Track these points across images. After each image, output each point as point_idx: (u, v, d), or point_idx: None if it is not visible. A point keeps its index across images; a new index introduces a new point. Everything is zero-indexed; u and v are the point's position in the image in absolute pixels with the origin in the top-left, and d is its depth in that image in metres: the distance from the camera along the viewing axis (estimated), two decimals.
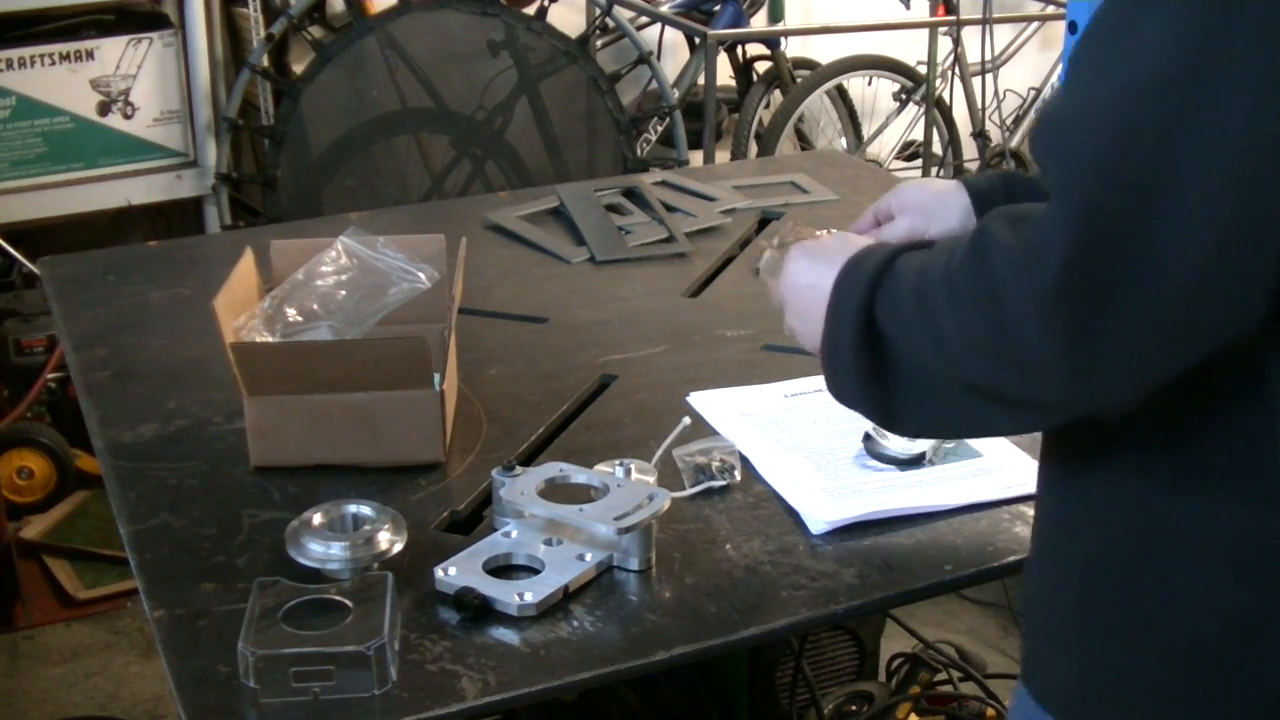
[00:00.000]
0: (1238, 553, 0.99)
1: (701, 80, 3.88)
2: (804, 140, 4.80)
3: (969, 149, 4.81)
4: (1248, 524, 0.99)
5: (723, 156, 4.19)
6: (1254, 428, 0.98)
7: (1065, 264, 0.91)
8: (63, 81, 3.46)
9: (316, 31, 3.74)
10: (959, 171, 4.79)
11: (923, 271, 1.04)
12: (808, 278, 1.17)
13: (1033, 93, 4.98)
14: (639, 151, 3.97)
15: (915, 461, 1.49)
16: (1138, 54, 0.90)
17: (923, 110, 4.52)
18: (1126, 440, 1.03)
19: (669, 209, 2.26)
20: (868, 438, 1.51)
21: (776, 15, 4.86)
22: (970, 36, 4.46)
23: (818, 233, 1.26)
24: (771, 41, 4.61)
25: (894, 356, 1.07)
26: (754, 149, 4.47)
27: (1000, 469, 1.48)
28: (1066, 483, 1.09)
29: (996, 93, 4.44)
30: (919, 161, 4.65)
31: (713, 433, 1.56)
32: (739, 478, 1.48)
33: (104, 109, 3.53)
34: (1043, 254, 0.92)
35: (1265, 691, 1.01)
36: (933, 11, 4.61)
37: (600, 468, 1.43)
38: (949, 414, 1.07)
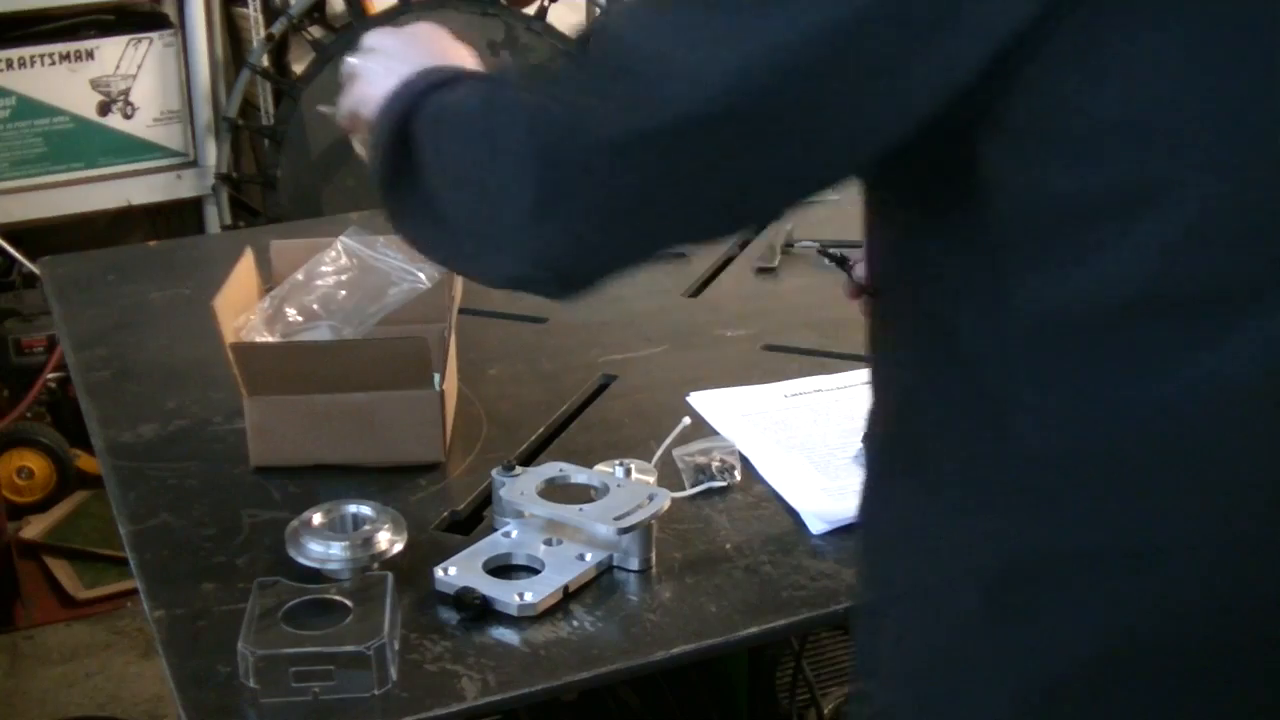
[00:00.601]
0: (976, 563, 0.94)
1: None
2: None
3: None
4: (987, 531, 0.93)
5: None
6: (971, 410, 0.93)
7: (542, 138, 0.90)
8: (63, 81, 3.46)
9: (316, 31, 3.74)
10: None
11: (463, 97, 1.00)
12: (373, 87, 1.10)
13: None
14: None
15: None
16: None
17: None
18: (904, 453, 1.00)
19: None
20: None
21: None
22: None
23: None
24: None
25: (414, 165, 1.02)
26: None
27: None
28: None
29: None
30: None
31: (713, 433, 1.56)
32: (739, 478, 1.48)
33: (104, 109, 3.53)
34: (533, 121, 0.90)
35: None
36: None
37: (600, 468, 1.43)
38: (435, 234, 1.03)
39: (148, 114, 3.58)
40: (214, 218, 3.66)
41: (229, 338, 1.47)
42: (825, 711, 2.04)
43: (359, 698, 1.16)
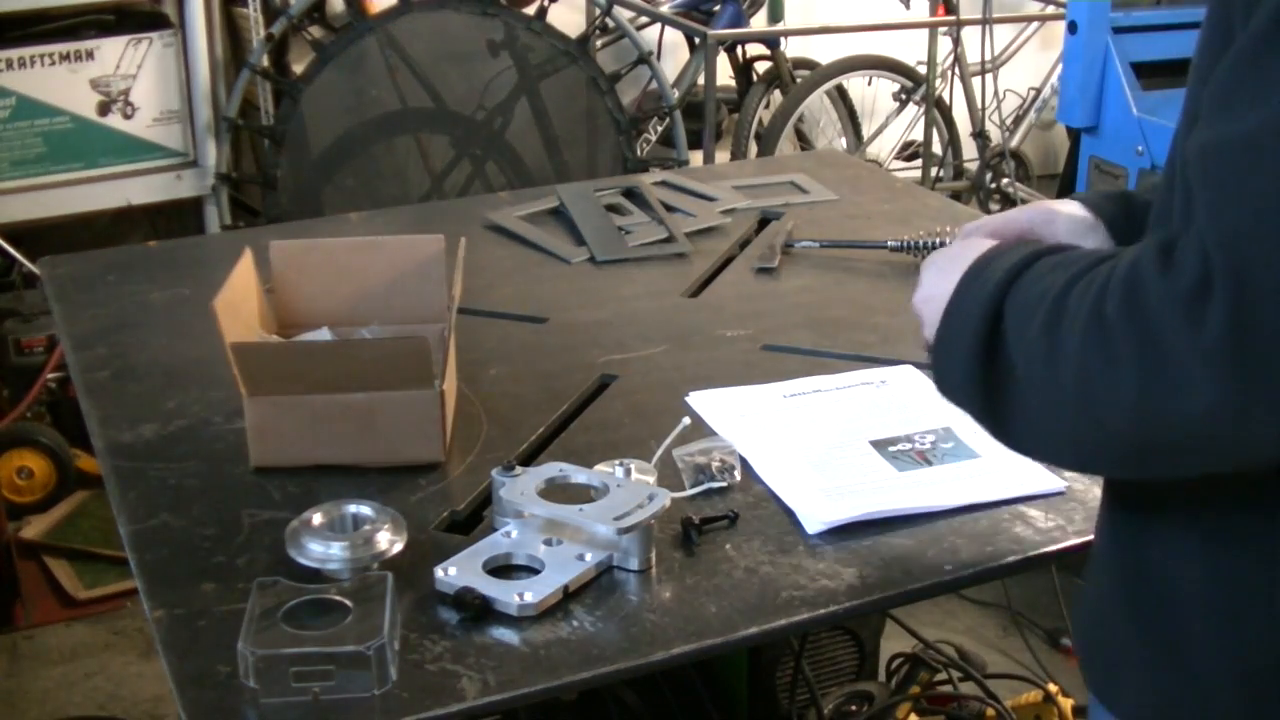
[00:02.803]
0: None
1: (701, 80, 3.88)
2: (804, 140, 4.80)
3: (969, 149, 4.81)
4: None
5: (723, 156, 4.20)
6: None
7: (1230, 319, 0.87)
8: (63, 81, 3.47)
9: (316, 31, 3.74)
10: (959, 172, 4.80)
11: (1063, 295, 0.98)
12: (936, 288, 1.13)
13: (1032, 93, 4.99)
14: (639, 151, 3.97)
15: None
16: None
17: (923, 110, 4.52)
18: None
19: (669, 209, 2.26)
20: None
21: (776, 15, 4.86)
22: (970, 36, 4.47)
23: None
24: (771, 41, 4.62)
25: (1015, 374, 1.02)
26: (754, 149, 4.47)
27: (1000, 469, 1.48)
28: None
29: (996, 93, 4.44)
30: (919, 161, 4.65)
31: (712, 433, 1.56)
32: (739, 478, 1.48)
33: (104, 109, 3.53)
34: (1206, 309, 0.88)
35: None
36: (933, 11, 4.61)
37: (600, 468, 1.43)
38: (1069, 444, 1.02)
39: (148, 114, 3.59)
40: (214, 218, 3.67)
41: (229, 338, 1.47)
42: (825, 711, 2.04)
43: (359, 698, 1.16)
